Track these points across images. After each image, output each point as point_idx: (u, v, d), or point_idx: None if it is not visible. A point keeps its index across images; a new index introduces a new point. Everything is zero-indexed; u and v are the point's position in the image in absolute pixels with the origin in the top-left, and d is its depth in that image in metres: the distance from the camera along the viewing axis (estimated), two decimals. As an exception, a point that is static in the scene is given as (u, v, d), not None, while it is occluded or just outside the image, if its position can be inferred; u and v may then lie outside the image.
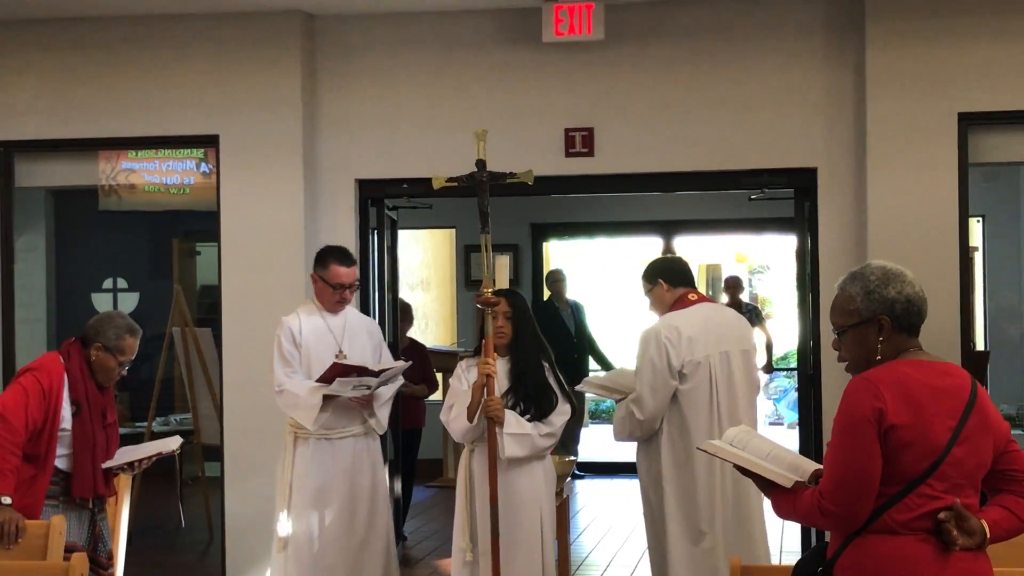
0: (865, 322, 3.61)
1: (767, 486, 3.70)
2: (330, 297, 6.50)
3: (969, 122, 7.26)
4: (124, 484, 5.93)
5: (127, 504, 5.95)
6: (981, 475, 3.56)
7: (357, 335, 6.56)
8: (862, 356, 3.64)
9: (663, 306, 6.12)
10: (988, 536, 3.50)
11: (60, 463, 5.36)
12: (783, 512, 3.69)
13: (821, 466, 3.67)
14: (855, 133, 7.43)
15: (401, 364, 6.39)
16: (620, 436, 6.08)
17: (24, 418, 5.16)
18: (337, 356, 6.37)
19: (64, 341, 5.62)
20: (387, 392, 6.46)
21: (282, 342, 6.41)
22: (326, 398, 6.23)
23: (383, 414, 6.46)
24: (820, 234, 7.53)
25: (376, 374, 6.23)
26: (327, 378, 6.20)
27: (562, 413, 5.79)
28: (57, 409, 5.29)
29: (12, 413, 5.15)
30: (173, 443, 5.71)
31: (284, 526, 6.37)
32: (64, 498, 5.39)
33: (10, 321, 8.04)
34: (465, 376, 5.88)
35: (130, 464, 5.58)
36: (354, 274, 6.54)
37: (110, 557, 5.57)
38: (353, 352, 6.45)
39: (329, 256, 6.53)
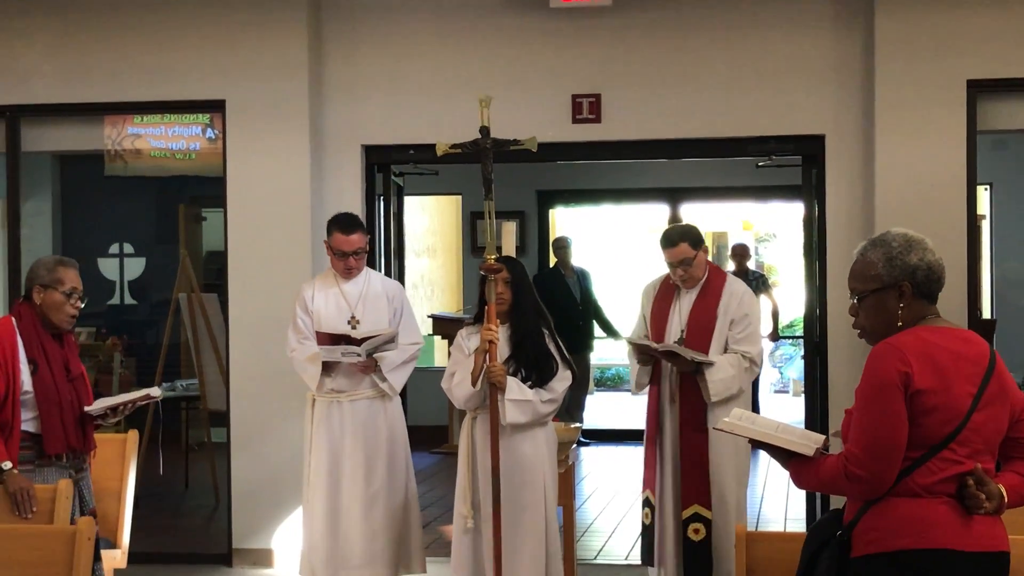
0: (886, 288, 3.63)
1: (786, 458, 3.72)
2: (337, 265, 6.58)
3: (978, 89, 7.24)
4: (131, 447, 5.94)
5: (133, 468, 5.96)
6: (998, 441, 3.60)
7: (374, 301, 6.61)
8: (882, 322, 3.65)
9: (703, 270, 6.37)
10: (1006, 501, 3.53)
11: (29, 426, 5.26)
12: (804, 481, 3.71)
13: (827, 435, 3.70)
14: (863, 100, 7.40)
15: (389, 331, 6.41)
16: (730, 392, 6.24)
17: None
18: (349, 322, 6.50)
19: (15, 302, 5.56)
20: (396, 357, 6.49)
21: (296, 310, 6.61)
22: (326, 364, 6.40)
23: (394, 377, 6.51)
24: (827, 202, 7.51)
25: (358, 343, 6.30)
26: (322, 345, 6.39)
27: (563, 379, 5.80)
28: (15, 372, 5.21)
29: None
30: (150, 391, 5.68)
31: (306, 480, 6.58)
32: (39, 461, 5.30)
33: (16, 285, 8.04)
34: (465, 344, 5.89)
35: (112, 409, 5.48)
36: (357, 241, 6.55)
37: (94, 515, 5.52)
38: (366, 318, 6.54)
39: (333, 224, 6.62)
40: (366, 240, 6.65)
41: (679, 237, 6.36)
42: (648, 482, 6.44)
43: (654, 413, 6.41)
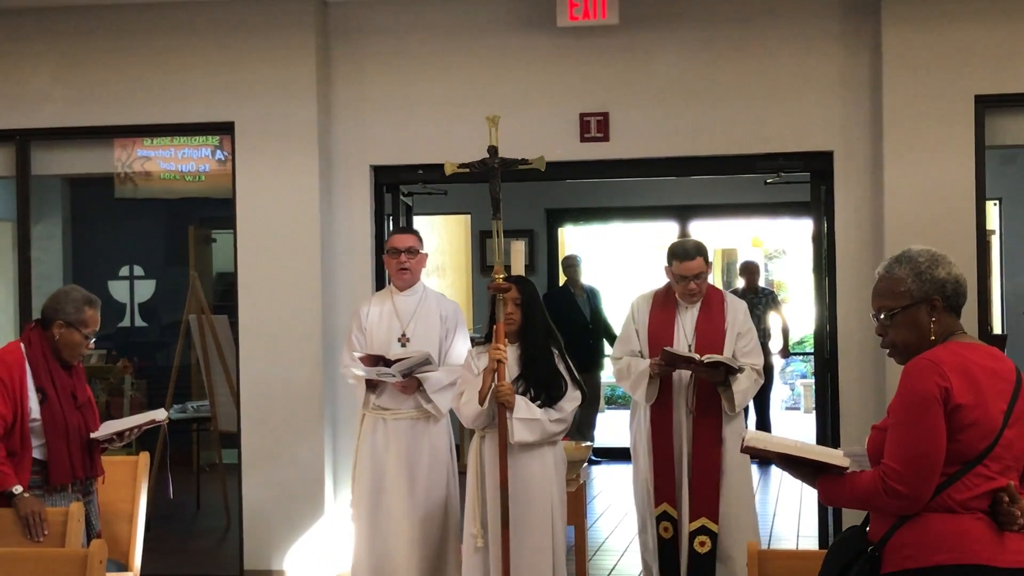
0: (917, 303, 3.65)
1: (814, 475, 3.72)
2: (391, 264, 6.67)
3: (986, 104, 7.24)
4: (142, 469, 5.94)
5: (144, 490, 5.96)
6: None
7: (425, 319, 6.64)
8: (915, 338, 3.66)
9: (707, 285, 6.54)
10: None
11: (37, 453, 5.29)
12: (834, 498, 3.71)
13: (847, 451, 3.70)
14: (871, 116, 7.41)
15: (421, 354, 6.41)
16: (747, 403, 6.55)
17: None
18: (399, 339, 6.56)
19: (26, 326, 5.58)
20: (442, 378, 6.49)
21: (352, 326, 6.72)
22: (369, 382, 6.49)
23: (438, 399, 6.51)
24: (836, 218, 7.51)
25: (391, 363, 6.31)
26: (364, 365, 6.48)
27: (572, 399, 5.79)
28: (24, 401, 5.23)
29: None
30: (160, 413, 5.73)
31: (353, 496, 6.67)
32: (46, 487, 5.32)
33: (27, 309, 8.06)
34: (475, 363, 5.89)
35: (119, 434, 5.54)
36: (409, 240, 6.64)
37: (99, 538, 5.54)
38: (416, 336, 6.58)
39: (391, 232, 6.95)
40: (420, 244, 6.70)
41: (696, 251, 6.41)
42: (667, 496, 6.42)
43: (665, 427, 6.41)
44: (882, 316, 3.72)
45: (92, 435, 5.45)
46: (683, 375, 6.35)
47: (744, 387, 6.30)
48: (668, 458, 6.40)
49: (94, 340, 5.49)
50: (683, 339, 6.42)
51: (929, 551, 3.49)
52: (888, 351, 3.77)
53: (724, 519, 6.30)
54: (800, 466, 3.75)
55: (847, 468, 3.64)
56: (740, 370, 6.23)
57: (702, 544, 6.29)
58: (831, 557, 3.75)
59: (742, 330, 6.44)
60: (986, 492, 3.50)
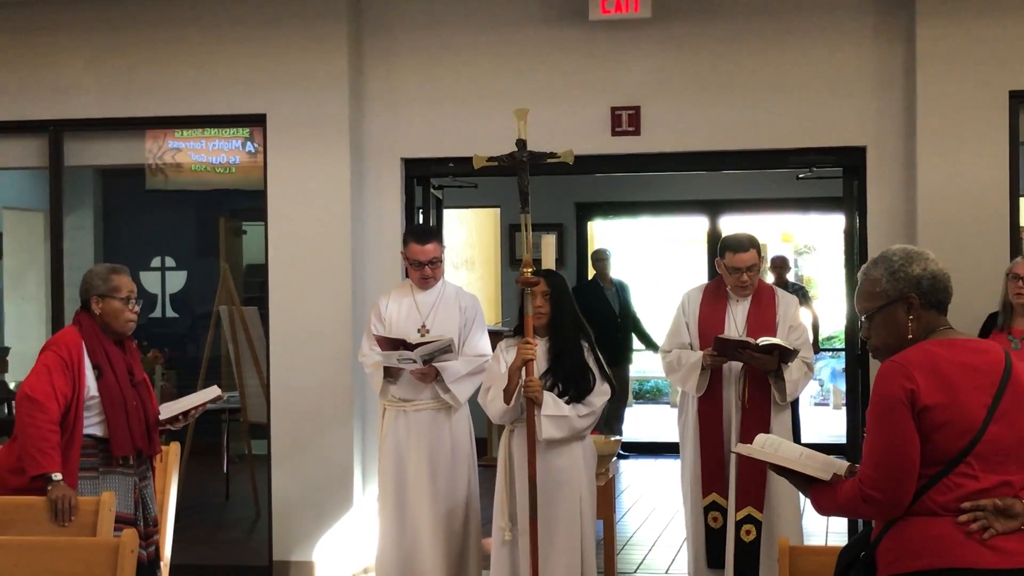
0: (893, 303, 3.61)
1: (805, 484, 3.70)
2: (414, 275, 6.72)
3: (1020, 100, 7.18)
4: (173, 457, 5.98)
5: (176, 478, 5.99)
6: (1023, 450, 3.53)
7: (445, 311, 6.68)
8: (894, 337, 3.62)
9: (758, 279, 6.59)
10: None
11: (95, 429, 5.37)
12: (824, 507, 3.68)
13: (848, 464, 3.67)
14: (904, 111, 7.36)
15: (444, 339, 6.42)
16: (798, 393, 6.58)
17: (52, 393, 5.20)
18: (419, 331, 6.59)
19: (75, 313, 5.65)
20: (460, 368, 6.52)
21: (371, 317, 6.76)
22: (389, 370, 6.50)
23: (457, 389, 6.55)
24: (869, 213, 7.47)
25: (412, 347, 6.32)
26: (381, 349, 6.49)
27: (601, 394, 5.78)
28: (81, 378, 5.32)
29: (39, 392, 5.20)
30: (213, 391, 5.86)
31: (379, 488, 6.75)
32: (104, 468, 5.40)
33: (59, 298, 8.11)
34: (504, 357, 5.88)
35: (184, 414, 5.72)
36: (432, 251, 6.67)
37: (155, 524, 5.61)
38: (435, 327, 6.61)
39: (409, 235, 6.84)
40: (441, 250, 6.76)
41: (749, 243, 6.45)
42: (716, 487, 6.43)
43: (714, 418, 6.41)
44: (863, 318, 3.70)
45: (160, 417, 5.59)
46: (733, 367, 6.37)
47: (796, 377, 6.33)
48: (717, 448, 6.41)
49: (137, 302, 5.54)
50: (734, 331, 6.44)
51: (911, 556, 3.45)
52: (872, 354, 3.74)
53: (768, 509, 6.32)
54: (793, 475, 3.74)
55: (828, 479, 3.61)
56: (795, 352, 6.20)
57: (748, 533, 6.33)
58: (839, 558, 3.74)
59: (794, 323, 6.47)
60: (972, 493, 3.42)
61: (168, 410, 5.71)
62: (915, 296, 3.58)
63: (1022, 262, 6.38)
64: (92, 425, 5.37)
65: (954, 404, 3.43)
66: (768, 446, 3.87)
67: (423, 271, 6.66)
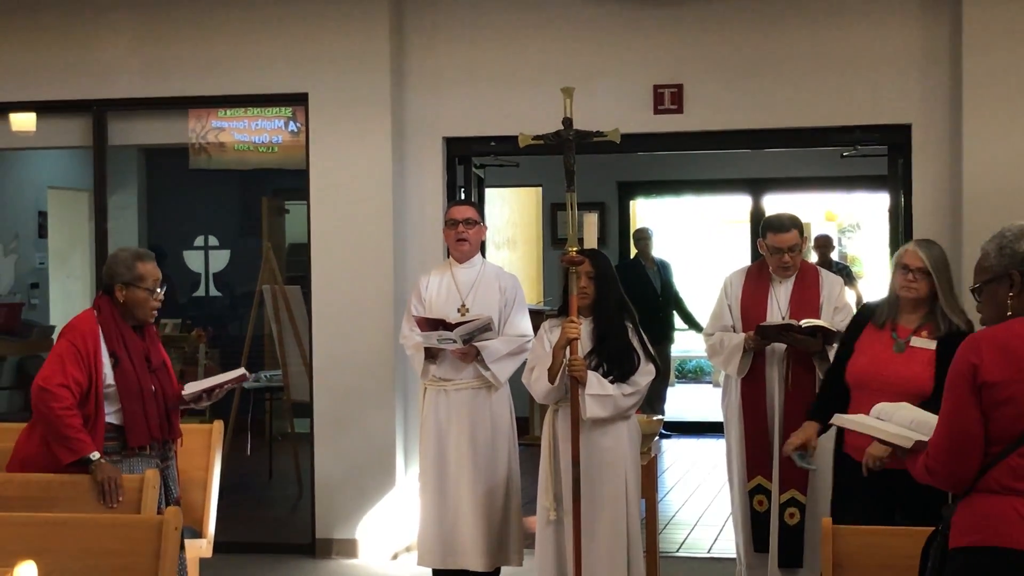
0: (997, 278, 3.57)
1: (902, 452, 3.70)
2: (449, 236, 6.72)
3: (1069, 77, 7.09)
4: (216, 436, 6.00)
5: (219, 458, 6.01)
6: None
7: (485, 290, 6.66)
8: (995, 313, 3.59)
9: (801, 259, 6.49)
10: None
11: (113, 418, 5.34)
12: (914, 474, 3.66)
13: None
14: (950, 89, 7.28)
15: (484, 318, 6.41)
16: None
17: (65, 380, 5.17)
18: (459, 310, 6.58)
19: (96, 295, 5.62)
20: (501, 347, 6.50)
21: (411, 298, 6.77)
22: (428, 351, 6.49)
23: (498, 368, 6.53)
24: (914, 192, 7.40)
25: (452, 327, 6.32)
26: (421, 330, 6.49)
27: (645, 373, 5.75)
28: (98, 366, 5.28)
29: (51, 382, 5.17)
30: (238, 372, 5.82)
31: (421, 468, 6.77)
32: (123, 453, 5.37)
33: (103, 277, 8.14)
34: (548, 337, 5.85)
35: (207, 392, 5.62)
36: (467, 211, 6.69)
37: (177, 504, 5.60)
38: (475, 306, 6.59)
39: (448, 205, 7.01)
40: (479, 215, 6.75)
41: (791, 223, 6.37)
42: (761, 469, 6.39)
43: (758, 401, 6.38)
44: (973, 291, 3.67)
45: (183, 394, 5.54)
46: (776, 348, 6.31)
47: None
48: (761, 431, 6.36)
49: (162, 290, 5.50)
50: (777, 313, 6.36)
51: (969, 531, 3.44)
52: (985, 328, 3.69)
53: (812, 491, 6.27)
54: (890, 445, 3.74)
55: (909, 447, 3.62)
56: (839, 333, 6.14)
57: (791, 516, 6.30)
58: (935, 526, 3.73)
59: (838, 304, 6.36)
60: None
61: (192, 388, 5.63)
62: (1017, 273, 3.53)
63: (913, 250, 5.35)
64: (110, 413, 5.34)
65: (1019, 382, 3.39)
66: (884, 413, 3.85)
67: (457, 230, 6.63)
